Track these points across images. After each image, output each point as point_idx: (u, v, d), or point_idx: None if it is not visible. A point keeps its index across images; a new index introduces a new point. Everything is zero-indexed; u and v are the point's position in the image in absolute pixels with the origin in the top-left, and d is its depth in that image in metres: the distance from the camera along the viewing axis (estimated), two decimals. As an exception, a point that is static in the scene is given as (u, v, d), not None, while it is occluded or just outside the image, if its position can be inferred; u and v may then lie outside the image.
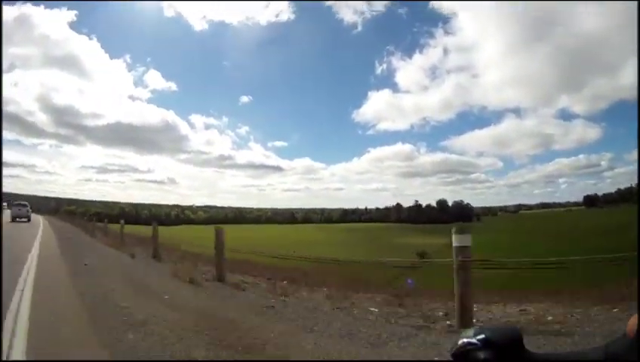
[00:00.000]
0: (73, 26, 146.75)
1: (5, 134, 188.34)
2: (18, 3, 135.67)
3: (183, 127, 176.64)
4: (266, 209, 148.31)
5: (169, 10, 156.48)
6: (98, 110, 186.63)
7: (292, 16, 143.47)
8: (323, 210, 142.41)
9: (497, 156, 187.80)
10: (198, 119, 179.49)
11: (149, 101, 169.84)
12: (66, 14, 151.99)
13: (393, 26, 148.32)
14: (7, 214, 24.84)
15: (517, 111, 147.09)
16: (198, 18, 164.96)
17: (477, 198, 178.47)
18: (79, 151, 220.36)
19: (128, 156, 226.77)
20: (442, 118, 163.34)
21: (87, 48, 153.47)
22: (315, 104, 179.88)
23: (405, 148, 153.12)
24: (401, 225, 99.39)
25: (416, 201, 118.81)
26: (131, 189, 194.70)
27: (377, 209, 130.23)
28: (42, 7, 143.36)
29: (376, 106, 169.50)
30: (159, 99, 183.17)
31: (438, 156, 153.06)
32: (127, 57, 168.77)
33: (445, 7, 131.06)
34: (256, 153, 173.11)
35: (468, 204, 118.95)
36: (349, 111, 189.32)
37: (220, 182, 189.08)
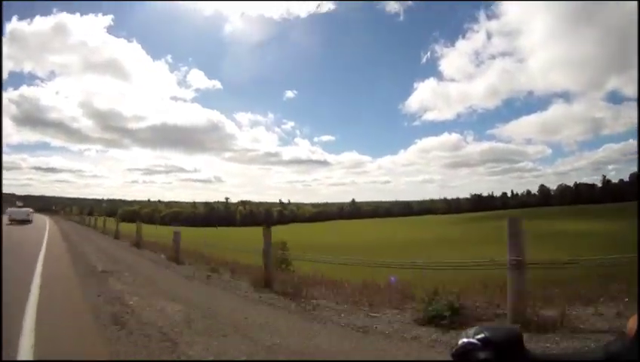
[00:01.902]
0: (111, 30, 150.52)
1: (52, 141, 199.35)
2: (53, 12, 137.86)
3: (229, 126, 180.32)
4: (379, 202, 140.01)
5: (208, 8, 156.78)
6: (142, 112, 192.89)
7: (332, 7, 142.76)
8: (408, 203, 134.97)
9: (545, 143, 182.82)
10: (243, 117, 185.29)
11: (194, 101, 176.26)
12: (102, 20, 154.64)
13: (435, 13, 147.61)
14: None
15: (565, 96, 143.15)
16: (237, 15, 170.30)
17: (524, 188, 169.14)
18: (125, 154, 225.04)
19: (174, 157, 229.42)
20: (489, 106, 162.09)
21: (127, 51, 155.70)
22: (361, 96, 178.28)
23: (452, 137, 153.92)
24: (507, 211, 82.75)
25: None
26: (178, 189, 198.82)
27: (445, 199, 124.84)
28: (78, 14, 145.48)
29: (422, 96, 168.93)
30: (203, 98, 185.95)
31: (485, 145, 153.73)
32: (169, 58, 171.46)
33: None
34: (302, 148, 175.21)
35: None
36: (395, 102, 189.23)
37: (265, 179, 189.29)
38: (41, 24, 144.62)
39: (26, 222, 23.74)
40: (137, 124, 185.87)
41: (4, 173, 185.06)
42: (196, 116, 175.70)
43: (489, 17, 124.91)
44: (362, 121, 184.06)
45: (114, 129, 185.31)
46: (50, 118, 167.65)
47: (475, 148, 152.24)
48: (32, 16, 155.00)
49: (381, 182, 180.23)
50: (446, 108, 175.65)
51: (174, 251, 8.52)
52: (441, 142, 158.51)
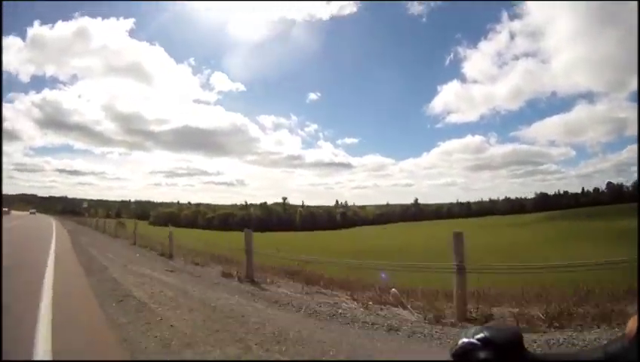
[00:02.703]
0: (132, 33, 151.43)
1: (75, 144, 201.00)
2: (74, 16, 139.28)
3: (252, 128, 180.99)
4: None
5: (230, 10, 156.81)
6: (164, 115, 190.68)
7: (354, 10, 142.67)
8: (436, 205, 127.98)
9: (569, 145, 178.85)
10: (266, 119, 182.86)
11: (217, 103, 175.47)
12: (123, 23, 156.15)
13: (457, 14, 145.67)
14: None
15: (588, 96, 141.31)
16: (260, 17, 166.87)
17: (546, 191, 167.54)
18: (147, 157, 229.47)
19: (196, 159, 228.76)
20: (512, 107, 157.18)
21: (149, 54, 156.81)
22: (384, 98, 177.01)
23: (475, 140, 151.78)
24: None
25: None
26: (200, 192, 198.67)
27: (508, 199, 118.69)
28: (99, 18, 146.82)
29: (445, 98, 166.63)
30: (226, 100, 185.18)
31: (508, 147, 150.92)
32: (192, 60, 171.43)
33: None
34: (326, 151, 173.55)
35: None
36: (419, 104, 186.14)
37: (287, 182, 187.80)
38: (62, 28, 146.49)
39: None
40: (160, 127, 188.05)
41: (28, 175, 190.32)
42: (219, 119, 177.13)
43: (512, 18, 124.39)
44: (385, 123, 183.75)
45: (137, 132, 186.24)
46: (72, 122, 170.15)
47: (497, 150, 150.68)
48: (53, 20, 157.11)
49: (403, 185, 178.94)
50: (469, 110, 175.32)
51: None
52: (463, 145, 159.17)
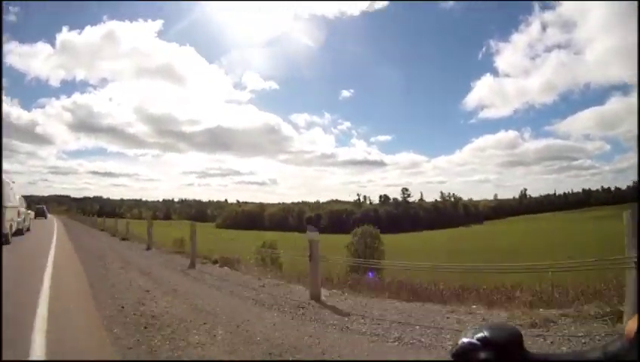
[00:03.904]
0: (161, 34, 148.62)
1: (109, 147, 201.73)
2: (102, 20, 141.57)
3: (285, 127, 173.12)
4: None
5: (260, 9, 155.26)
6: (197, 116, 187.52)
7: (385, 4, 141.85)
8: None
9: (603, 138, 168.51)
10: (299, 118, 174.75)
11: (249, 102, 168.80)
12: (152, 25, 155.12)
13: (489, 6, 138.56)
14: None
15: (623, 88, 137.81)
16: (290, 14, 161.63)
17: (581, 187, 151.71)
18: (179, 158, 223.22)
19: (229, 159, 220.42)
20: (545, 101, 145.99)
21: (180, 55, 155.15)
22: (418, 94, 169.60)
23: (508, 135, 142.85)
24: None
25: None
26: (233, 192, 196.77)
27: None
28: (127, 21, 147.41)
29: (478, 94, 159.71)
30: (259, 99, 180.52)
31: (542, 142, 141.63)
32: (223, 60, 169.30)
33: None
34: (358, 149, 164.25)
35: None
36: (452, 100, 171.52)
37: (319, 181, 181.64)
38: (91, 33, 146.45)
39: None
40: (192, 127, 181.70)
41: (62, 177, 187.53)
42: (252, 118, 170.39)
43: (543, 8, 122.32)
44: (419, 120, 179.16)
45: (169, 133, 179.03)
46: (104, 124, 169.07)
47: (531, 145, 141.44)
48: (82, 26, 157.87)
49: (436, 182, 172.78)
50: (502, 105, 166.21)
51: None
52: (497, 140, 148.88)
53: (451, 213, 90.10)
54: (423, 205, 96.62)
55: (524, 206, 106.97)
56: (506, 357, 0.68)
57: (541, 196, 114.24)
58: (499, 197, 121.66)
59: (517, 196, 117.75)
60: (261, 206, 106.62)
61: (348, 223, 60.33)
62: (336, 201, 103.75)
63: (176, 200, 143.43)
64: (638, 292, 2.85)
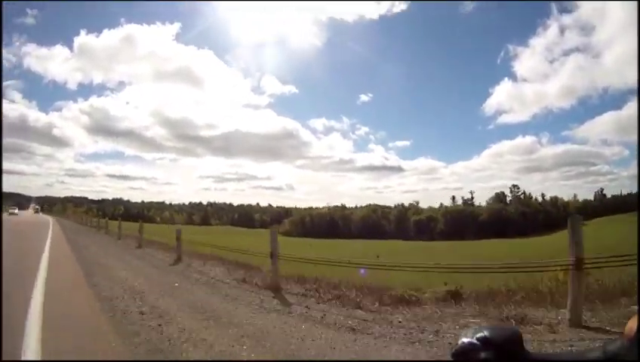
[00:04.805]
0: (179, 38, 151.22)
1: (126, 150, 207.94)
2: (120, 24, 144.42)
3: (303, 132, 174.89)
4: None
5: (279, 12, 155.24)
6: (214, 120, 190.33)
7: (404, 8, 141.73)
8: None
9: (622, 144, 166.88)
10: (317, 122, 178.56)
11: (267, 107, 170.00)
12: (169, 28, 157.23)
13: (507, 11, 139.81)
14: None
15: None
16: (309, 18, 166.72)
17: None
18: (196, 162, 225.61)
19: (246, 164, 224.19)
20: (564, 105, 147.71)
21: (198, 58, 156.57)
22: (436, 100, 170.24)
23: (526, 140, 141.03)
24: None
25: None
26: (250, 197, 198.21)
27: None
28: (145, 25, 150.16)
29: (497, 99, 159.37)
30: (277, 104, 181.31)
31: (560, 148, 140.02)
32: (241, 63, 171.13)
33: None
34: (376, 154, 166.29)
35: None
36: (470, 105, 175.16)
37: (336, 186, 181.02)
38: (108, 37, 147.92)
39: None
40: (210, 131, 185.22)
41: (80, 180, 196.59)
42: (270, 123, 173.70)
43: (561, 11, 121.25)
44: (437, 125, 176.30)
45: (186, 137, 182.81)
46: (121, 128, 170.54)
47: (549, 151, 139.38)
48: (99, 29, 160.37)
49: (452, 188, 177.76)
50: (521, 110, 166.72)
51: None
52: (515, 146, 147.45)
53: (555, 214, 79.02)
54: (531, 206, 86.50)
55: (603, 206, 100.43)
56: (506, 357, 0.68)
57: (613, 196, 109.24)
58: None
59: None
60: (342, 209, 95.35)
61: (472, 227, 57.99)
62: (415, 205, 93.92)
63: (204, 202, 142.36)
64: (638, 293, 2.85)
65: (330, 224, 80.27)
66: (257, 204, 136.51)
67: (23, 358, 2.80)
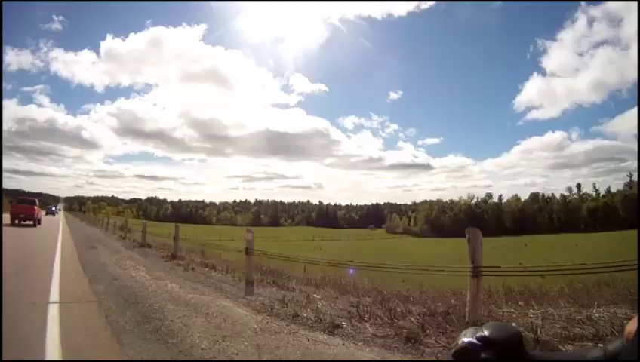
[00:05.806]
0: (205, 39, 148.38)
1: (155, 152, 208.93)
2: (146, 27, 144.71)
3: (333, 131, 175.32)
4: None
5: (306, 10, 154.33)
6: (243, 120, 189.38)
7: (432, 4, 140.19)
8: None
9: None
10: (347, 121, 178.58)
11: (297, 105, 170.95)
12: (195, 30, 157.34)
13: (533, 3, 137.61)
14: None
15: None
16: (337, 16, 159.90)
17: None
18: (225, 162, 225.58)
19: (274, 163, 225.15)
20: (594, 100, 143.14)
21: (226, 59, 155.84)
22: (466, 97, 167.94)
23: (556, 136, 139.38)
24: None
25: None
26: (279, 196, 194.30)
27: None
28: (171, 27, 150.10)
29: (527, 95, 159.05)
30: (307, 103, 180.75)
31: (589, 143, 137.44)
32: (271, 62, 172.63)
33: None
34: (406, 152, 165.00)
35: None
36: (500, 102, 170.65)
37: (365, 185, 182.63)
38: (135, 40, 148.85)
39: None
40: (239, 131, 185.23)
41: (111, 180, 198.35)
42: (300, 122, 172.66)
43: (589, 2, 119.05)
44: (466, 122, 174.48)
45: (215, 137, 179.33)
46: (150, 129, 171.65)
47: (579, 147, 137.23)
48: (126, 34, 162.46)
49: (482, 186, 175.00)
50: (551, 106, 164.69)
51: None
52: (544, 142, 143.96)
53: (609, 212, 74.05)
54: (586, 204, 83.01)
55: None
56: (506, 356, 0.68)
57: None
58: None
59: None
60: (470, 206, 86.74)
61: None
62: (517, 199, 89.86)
63: (252, 201, 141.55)
64: (638, 293, 2.85)
65: (474, 218, 70.62)
66: (294, 201, 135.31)
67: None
